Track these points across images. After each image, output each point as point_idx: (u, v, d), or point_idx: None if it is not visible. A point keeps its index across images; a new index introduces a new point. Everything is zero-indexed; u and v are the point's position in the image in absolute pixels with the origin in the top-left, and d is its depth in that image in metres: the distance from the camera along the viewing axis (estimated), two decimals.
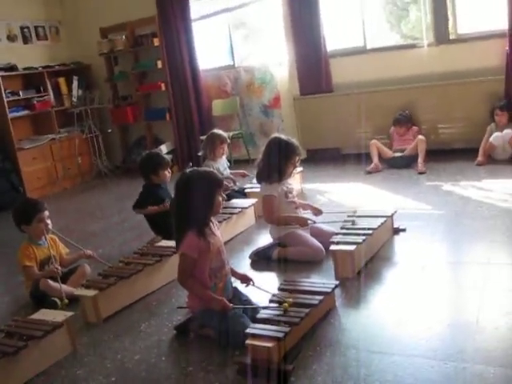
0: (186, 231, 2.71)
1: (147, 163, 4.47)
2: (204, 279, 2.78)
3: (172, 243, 3.16)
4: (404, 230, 4.06)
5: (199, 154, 5.65)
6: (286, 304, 2.70)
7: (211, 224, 2.83)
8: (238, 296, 2.94)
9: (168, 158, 4.69)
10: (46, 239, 3.73)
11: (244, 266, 3.80)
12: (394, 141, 6.36)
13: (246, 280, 2.93)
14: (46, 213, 3.71)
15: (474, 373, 2.26)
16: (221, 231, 3.00)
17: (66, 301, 3.40)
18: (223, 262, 2.88)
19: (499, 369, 2.24)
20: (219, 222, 3.71)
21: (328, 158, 6.95)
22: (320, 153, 7.05)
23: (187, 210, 2.67)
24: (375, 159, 6.15)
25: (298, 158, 3.81)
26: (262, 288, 2.87)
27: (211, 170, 2.95)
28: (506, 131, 5.70)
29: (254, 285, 2.92)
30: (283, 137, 3.84)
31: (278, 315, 2.65)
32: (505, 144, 5.70)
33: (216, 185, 2.72)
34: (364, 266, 3.45)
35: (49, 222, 3.73)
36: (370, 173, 6.03)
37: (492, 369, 2.24)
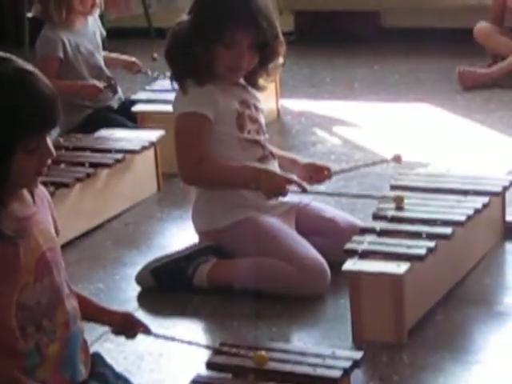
0: None
1: None
2: (5, 335, 1.90)
3: None
4: None
5: (29, 14, 4.35)
6: None
7: (23, 194, 1.91)
8: (100, 373, 2.03)
9: None
10: None
11: (124, 301, 2.69)
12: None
13: (129, 325, 2.08)
14: None
15: None
16: (57, 212, 2.01)
17: None
18: (58, 292, 1.98)
19: None
20: (63, 184, 2.77)
21: (341, 33, 4.67)
22: (321, 20, 4.88)
23: None
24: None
25: (261, 25, 2.50)
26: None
27: (33, 70, 1.77)
28: None
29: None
30: None
31: None
32: None
33: (22, 120, 1.66)
34: (430, 314, 2.39)
35: None
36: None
37: None
